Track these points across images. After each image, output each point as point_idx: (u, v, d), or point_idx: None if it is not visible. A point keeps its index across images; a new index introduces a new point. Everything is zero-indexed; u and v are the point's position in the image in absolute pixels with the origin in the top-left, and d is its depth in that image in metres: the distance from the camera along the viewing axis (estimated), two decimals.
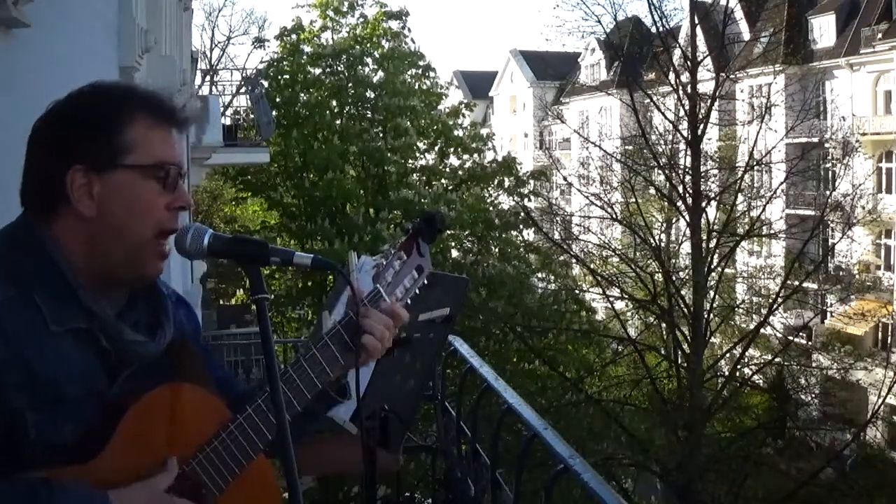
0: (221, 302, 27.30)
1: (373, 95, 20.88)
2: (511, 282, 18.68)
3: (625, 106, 21.55)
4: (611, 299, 19.46)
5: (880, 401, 17.86)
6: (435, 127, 21.03)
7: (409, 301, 1.63)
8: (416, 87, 21.15)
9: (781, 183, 20.19)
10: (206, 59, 31.63)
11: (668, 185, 19.18)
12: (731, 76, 20.35)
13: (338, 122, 20.67)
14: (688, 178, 18.57)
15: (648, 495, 22.12)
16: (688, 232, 18.82)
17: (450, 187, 20.56)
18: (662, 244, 19.27)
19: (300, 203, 20.20)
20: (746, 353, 18.50)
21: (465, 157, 21.39)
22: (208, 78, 20.55)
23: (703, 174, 18.81)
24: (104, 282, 1.36)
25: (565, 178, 22.51)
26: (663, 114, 19.52)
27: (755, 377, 18.93)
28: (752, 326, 18.63)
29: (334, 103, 20.76)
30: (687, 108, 18.59)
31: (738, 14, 25.99)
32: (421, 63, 21.54)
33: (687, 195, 18.48)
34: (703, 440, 16.77)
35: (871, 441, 19.00)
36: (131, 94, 1.40)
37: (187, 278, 11.04)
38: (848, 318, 21.92)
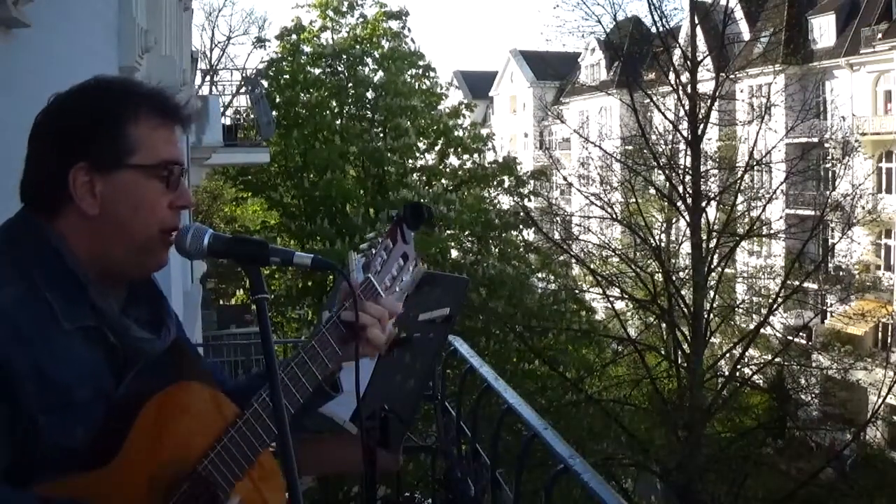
0: (221, 302, 27.30)
1: (373, 96, 20.89)
2: (511, 282, 18.68)
3: (625, 106, 21.56)
4: (611, 299, 19.46)
5: (880, 401, 17.86)
6: (435, 127, 21.04)
7: (397, 288, 1.64)
8: (417, 87, 21.16)
9: (781, 183, 20.19)
10: (206, 59, 31.65)
11: (668, 185, 19.18)
12: (731, 76, 20.36)
13: (338, 122, 20.68)
14: (688, 178, 18.57)
15: (648, 495, 22.13)
16: (688, 232, 18.82)
17: (450, 187, 20.57)
18: (662, 244, 19.27)
19: (300, 203, 20.20)
20: (746, 353, 18.49)
21: (465, 157, 21.39)
22: (208, 78, 20.56)
23: (703, 174, 18.81)
24: (107, 278, 1.36)
25: (565, 178, 22.51)
26: (663, 114, 19.52)
27: (755, 377, 18.93)
28: (752, 326, 18.63)
29: (334, 103, 20.76)
30: (687, 108, 18.59)
31: (738, 14, 25.99)
32: (421, 63, 21.55)
33: (687, 195, 18.48)
34: (703, 440, 16.77)
35: (871, 441, 19.00)
36: (135, 91, 1.39)
37: (187, 278, 11.04)
38: (848, 318, 21.91)
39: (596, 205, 20.09)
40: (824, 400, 19.56)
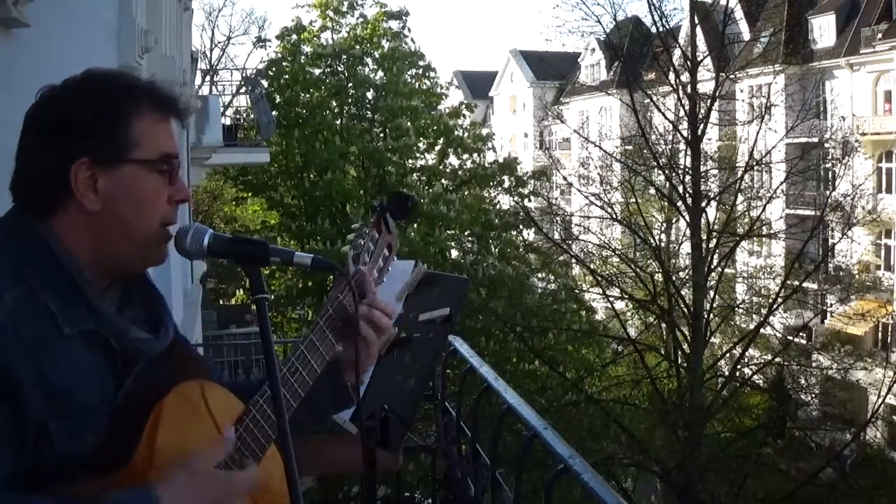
0: (221, 302, 27.30)
1: (373, 96, 20.89)
2: (511, 282, 18.68)
3: (625, 106, 21.56)
4: (611, 299, 19.47)
5: (880, 401, 17.85)
6: (435, 127, 21.04)
7: (384, 279, 1.64)
8: (417, 87, 21.16)
9: (781, 183, 20.19)
10: (206, 59, 31.66)
11: (668, 185, 19.18)
12: (731, 76, 20.36)
13: (338, 122, 20.69)
14: (688, 178, 18.57)
15: (648, 495, 22.13)
16: (688, 232, 18.82)
17: (450, 187, 20.57)
18: (662, 244, 19.27)
19: (300, 203, 20.20)
20: (746, 353, 18.49)
21: (465, 157, 21.39)
22: (208, 78, 20.56)
23: (703, 174, 18.81)
24: (106, 276, 1.34)
25: (565, 178, 22.52)
26: (663, 114, 19.52)
27: (755, 377, 18.93)
28: (752, 326, 18.63)
29: (334, 103, 20.77)
30: (687, 108, 18.59)
31: (738, 14, 26.01)
32: (421, 63, 21.55)
33: (687, 195, 18.48)
34: (703, 440, 16.77)
35: (871, 441, 18.99)
36: (135, 85, 1.37)
37: (187, 278, 11.04)
38: (848, 318, 21.90)
39: (596, 205, 20.10)
40: (824, 400, 19.55)
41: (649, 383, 18.12)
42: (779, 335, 19.63)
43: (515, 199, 21.21)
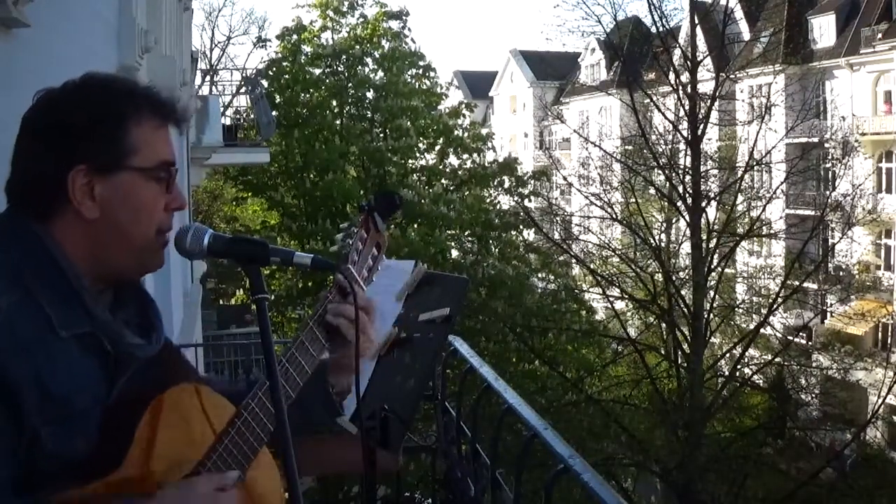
0: (221, 302, 27.31)
1: (373, 96, 20.89)
2: (511, 282, 18.68)
3: (625, 106, 21.56)
4: (611, 299, 19.46)
5: (880, 401, 17.85)
6: (435, 127, 21.04)
7: (374, 278, 1.65)
8: (417, 87, 21.16)
9: (781, 183, 20.19)
10: (206, 59, 31.66)
11: (668, 185, 19.18)
12: (731, 76, 20.36)
13: (338, 122, 20.69)
14: (688, 178, 18.57)
15: (648, 495, 22.13)
16: (688, 232, 18.82)
17: (450, 187, 20.57)
18: (662, 244, 19.26)
19: (301, 203, 20.20)
20: (746, 353, 18.49)
21: (466, 157, 21.39)
22: (208, 78, 20.57)
23: (703, 174, 18.81)
24: (101, 281, 1.33)
25: (565, 178, 22.51)
26: (663, 114, 19.52)
27: (755, 377, 18.93)
28: (752, 326, 18.62)
29: (334, 103, 20.77)
30: (687, 108, 18.59)
31: (738, 14, 26.02)
32: (421, 63, 21.56)
33: (687, 195, 18.48)
34: (703, 440, 16.76)
35: (871, 441, 18.99)
36: (135, 91, 1.35)
37: (187, 278, 11.05)
38: (848, 318, 21.90)
39: (596, 205, 20.09)
40: (824, 400, 19.55)
41: (649, 383, 18.12)
42: (779, 335, 19.63)
43: (515, 199, 21.20)
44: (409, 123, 19.98)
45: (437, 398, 4.20)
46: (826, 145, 21.48)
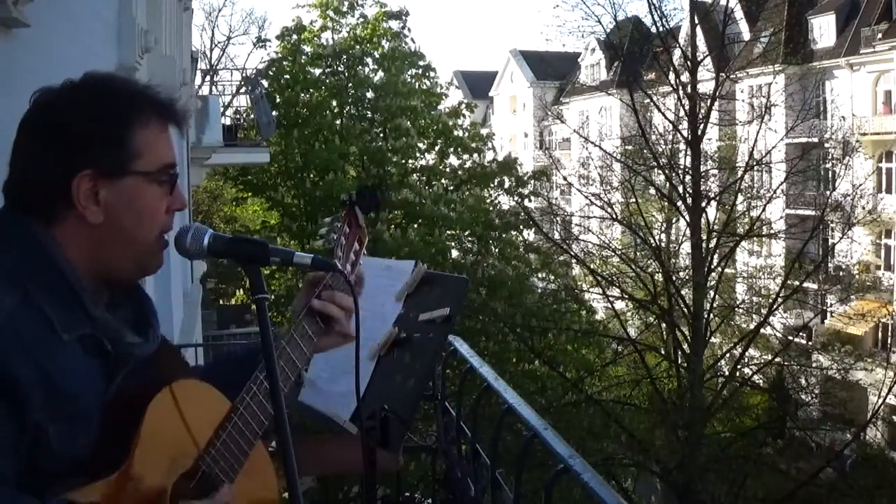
0: (221, 302, 27.29)
1: (373, 96, 20.89)
2: (511, 282, 18.68)
3: (625, 106, 21.55)
4: (611, 299, 19.46)
5: (880, 401, 17.85)
6: (435, 127, 21.04)
7: (354, 274, 1.66)
8: (417, 87, 21.16)
9: (781, 183, 20.19)
10: (206, 59, 31.68)
11: (668, 185, 19.18)
12: (731, 76, 20.36)
13: (338, 122, 20.69)
14: (688, 178, 18.57)
15: (648, 495, 22.12)
16: (688, 232, 18.81)
17: (450, 187, 20.57)
18: (662, 244, 19.26)
19: (301, 203, 20.21)
20: (746, 353, 18.49)
21: (466, 157, 21.39)
22: (208, 78, 20.57)
23: (703, 174, 18.81)
24: (100, 282, 1.33)
25: (565, 178, 22.51)
26: (663, 114, 19.52)
27: (755, 377, 18.92)
28: (752, 326, 18.62)
29: (334, 104, 20.77)
30: (687, 108, 18.59)
31: (738, 14, 26.01)
32: (421, 63, 21.56)
33: (687, 195, 18.48)
34: (703, 440, 16.76)
35: (871, 441, 18.99)
36: (138, 93, 1.35)
37: (187, 278, 11.05)
38: (848, 318, 21.90)
39: (596, 205, 20.09)
40: (824, 400, 19.55)
41: (649, 383, 18.12)
42: (779, 335, 19.63)
43: (515, 199, 21.20)
44: (409, 123, 19.98)
45: (437, 398, 4.19)
46: (826, 145, 21.48)
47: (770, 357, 18.74)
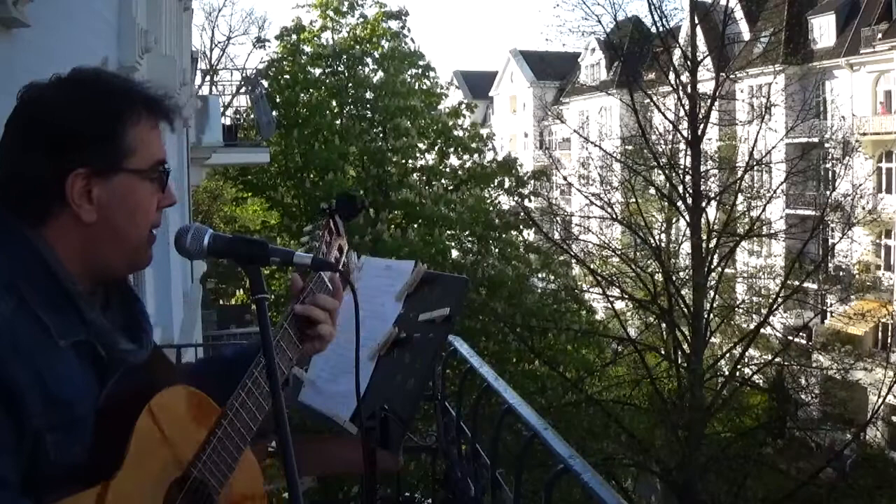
0: (221, 302, 27.28)
1: (373, 96, 20.89)
2: (511, 282, 18.68)
3: (625, 106, 21.55)
4: (611, 299, 19.45)
5: (880, 401, 17.85)
6: (435, 127, 21.04)
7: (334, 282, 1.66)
8: (416, 87, 21.16)
9: (781, 183, 20.18)
10: (206, 59, 31.68)
11: (668, 185, 19.18)
12: (731, 76, 20.35)
13: (338, 122, 20.69)
14: (688, 178, 18.56)
15: (648, 495, 22.12)
16: (688, 232, 18.81)
17: (450, 187, 20.57)
18: (662, 244, 19.25)
19: (300, 203, 20.21)
20: (746, 353, 18.48)
21: (466, 157, 21.39)
22: (208, 78, 20.59)
23: (703, 174, 18.81)
24: (93, 281, 1.32)
25: (565, 178, 22.51)
26: (663, 114, 19.51)
27: (755, 377, 18.92)
28: (752, 326, 18.61)
29: (334, 104, 20.78)
30: (687, 108, 18.58)
31: (738, 14, 26.01)
32: (421, 63, 21.56)
33: (687, 195, 18.47)
34: (703, 440, 16.76)
35: (871, 441, 18.98)
36: (130, 90, 1.33)
37: (187, 278, 11.05)
38: (848, 318, 21.90)
39: (596, 205, 20.09)
40: (824, 400, 19.54)
41: (649, 383, 18.11)
42: (779, 335, 19.62)
43: (515, 199, 21.20)
44: (408, 123, 19.97)
45: (437, 398, 4.19)
46: (826, 145, 21.47)
47: (770, 357, 18.73)
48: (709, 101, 18.73)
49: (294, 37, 21.35)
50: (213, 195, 27.46)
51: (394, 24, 21.69)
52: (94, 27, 4.49)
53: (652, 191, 19.97)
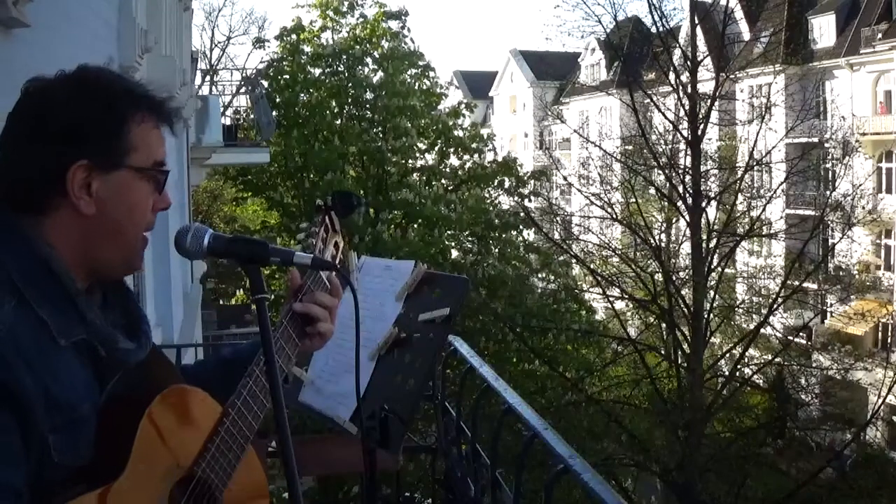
0: (221, 302, 27.32)
1: (372, 96, 20.88)
2: (511, 282, 18.68)
3: (625, 106, 21.54)
4: (611, 299, 19.45)
5: (880, 401, 17.84)
6: (435, 127, 21.03)
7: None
8: (416, 87, 21.15)
9: (781, 183, 20.18)
10: (206, 59, 31.70)
11: (668, 185, 19.18)
12: (731, 76, 20.34)
13: (338, 122, 20.68)
14: (688, 178, 18.56)
15: (648, 495, 22.12)
16: (688, 232, 18.81)
17: (450, 187, 20.56)
18: (662, 244, 19.25)
19: (300, 203, 20.20)
20: (746, 353, 18.48)
21: (465, 157, 21.39)
22: (208, 78, 20.59)
23: (703, 174, 18.80)
24: (91, 282, 1.32)
25: (565, 178, 22.50)
26: (663, 114, 19.51)
27: (755, 377, 18.92)
28: (752, 326, 18.61)
29: (334, 104, 20.76)
30: (687, 108, 18.58)
31: (738, 14, 26.01)
32: (421, 63, 21.54)
33: (687, 195, 18.47)
34: (703, 440, 16.76)
35: (871, 441, 18.99)
36: (134, 89, 1.35)
37: (187, 278, 11.05)
38: (848, 318, 21.90)
39: (596, 205, 20.09)
40: (824, 400, 19.54)
41: (649, 383, 18.11)
42: (779, 335, 19.62)
43: (515, 199, 21.20)
44: (408, 123, 19.97)
45: (437, 398, 4.19)
46: (826, 145, 21.47)
47: (770, 357, 18.73)
48: (709, 101, 18.72)
49: (294, 37, 21.34)
50: (213, 195, 27.49)
51: (394, 24, 21.70)
52: (93, 27, 4.49)
53: (652, 191, 19.96)
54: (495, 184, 21.12)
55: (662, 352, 18.83)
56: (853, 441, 18.29)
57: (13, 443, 1.15)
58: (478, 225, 19.78)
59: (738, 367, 18.42)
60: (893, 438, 20.81)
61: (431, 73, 21.79)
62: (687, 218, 18.65)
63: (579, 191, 21.39)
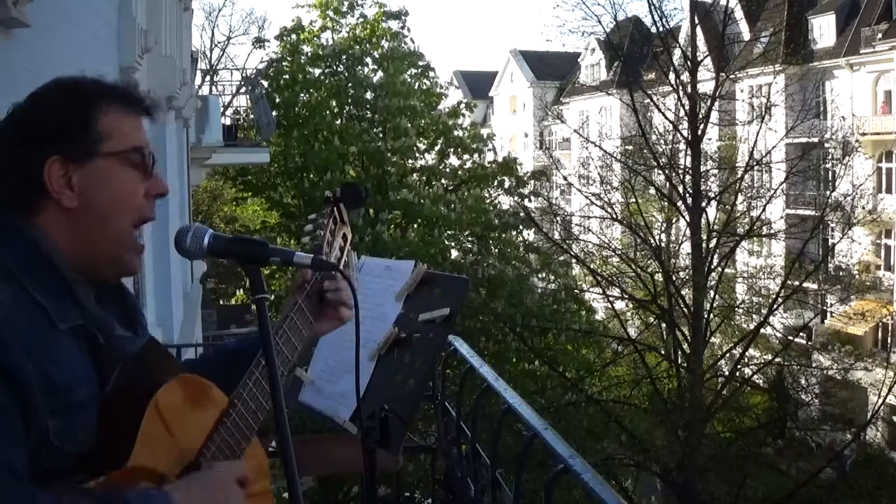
0: (221, 302, 27.32)
1: (372, 96, 20.88)
2: (511, 282, 18.68)
3: (625, 106, 21.55)
4: (611, 299, 19.45)
5: (880, 401, 17.84)
6: (435, 127, 21.03)
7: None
8: (416, 87, 21.14)
9: (781, 183, 20.18)
10: (206, 59, 31.70)
11: (668, 185, 19.18)
12: (731, 76, 20.35)
13: (337, 122, 20.68)
14: (688, 178, 18.56)
15: (648, 495, 22.12)
16: (688, 232, 18.81)
17: (450, 187, 20.56)
18: (662, 244, 19.25)
19: (300, 203, 20.20)
20: (746, 353, 18.48)
21: (465, 157, 21.38)
22: (208, 78, 20.58)
23: (703, 174, 18.81)
24: (84, 276, 1.33)
25: (565, 178, 22.50)
26: (663, 114, 19.51)
27: (755, 377, 18.92)
28: (752, 326, 18.61)
29: (334, 104, 20.76)
30: (687, 108, 18.58)
31: (738, 14, 26.01)
32: (421, 63, 21.54)
33: (687, 195, 18.47)
34: (703, 440, 16.76)
35: (871, 441, 18.99)
36: (99, 85, 1.38)
37: (187, 278, 11.05)
38: (848, 318, 21.90)
39: (596, 205, 20.09)
40: (824, 400, 19.54)
41: (649, 383, 18.12)
42: (779, 335, 19.62)
43: (515, 199, 21.20)
44: (408, 123, 19.96)
45: (437, 398, 4.19)
46: (826, 145, 21.47)
47: (770, 357, 18.73)
48: (709, 101, 18.72)
49: (294, 37, 21.33)
50: (213, 195, 27.49)
51: (394, 24, 21.69)
52: (93, 27, 4.49)
53: (652, 191, 19.97)
54: (495, 184, 21.11)
55: (662, 352, 18.83)
56: (853, 441, 18.29)
57: (14, 424, 1.16)
58: (478, 225, 19.77)
59: (738, 367, 18.42)
60: (893, 438, 20.81)
61: (431, 74, 21.80)
62: (687, 218, 18.65)
63: (579, 191, 21.39)
